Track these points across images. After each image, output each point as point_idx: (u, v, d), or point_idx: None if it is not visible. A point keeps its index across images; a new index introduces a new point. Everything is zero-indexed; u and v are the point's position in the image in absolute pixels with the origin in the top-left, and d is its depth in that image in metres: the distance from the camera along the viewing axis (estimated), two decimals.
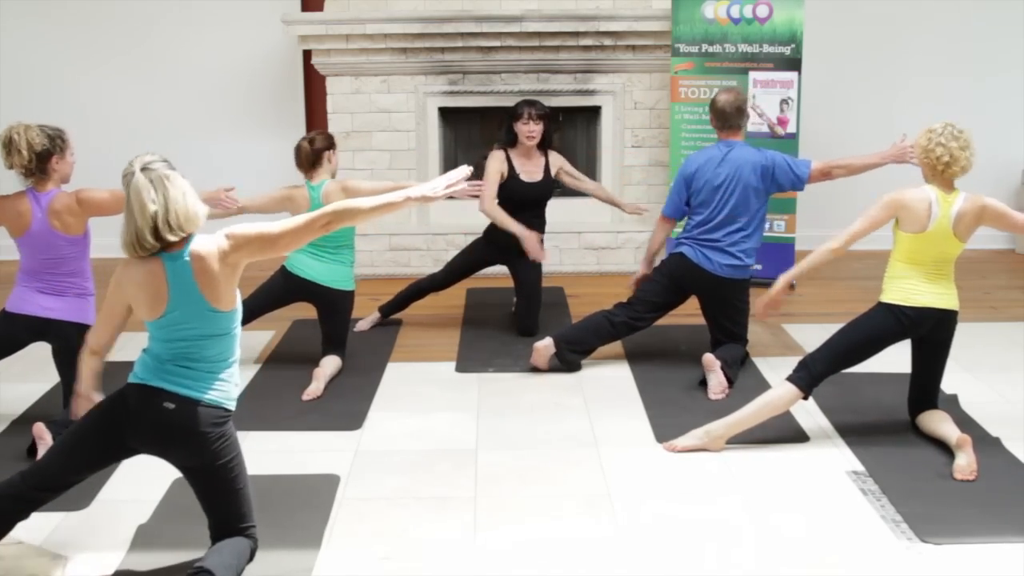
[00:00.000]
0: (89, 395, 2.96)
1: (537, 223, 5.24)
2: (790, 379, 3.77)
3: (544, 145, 5.21)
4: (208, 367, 2.76)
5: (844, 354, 3.78)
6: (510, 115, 5.18)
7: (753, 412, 3.78)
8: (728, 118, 4.59)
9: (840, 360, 3.78)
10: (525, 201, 5.16)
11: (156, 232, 2.66)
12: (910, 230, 3.68)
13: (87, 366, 2.98)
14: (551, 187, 5.29)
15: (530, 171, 5.17)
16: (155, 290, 2.70)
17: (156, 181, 2.67)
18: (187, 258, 2.69)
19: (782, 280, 3.94)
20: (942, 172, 3.66)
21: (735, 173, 4.51)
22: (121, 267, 2.77)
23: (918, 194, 3.69)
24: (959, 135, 3.66)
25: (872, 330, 3.76)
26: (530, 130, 5.07)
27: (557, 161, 5.30)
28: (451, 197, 2.91)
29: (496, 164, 5.12)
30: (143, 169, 2.68)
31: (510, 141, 5.16)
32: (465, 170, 2.90)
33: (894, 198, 3.71)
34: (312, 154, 4.57)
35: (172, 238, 2.68)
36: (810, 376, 3.75)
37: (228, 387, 2.81)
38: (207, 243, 2.71)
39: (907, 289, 3.72)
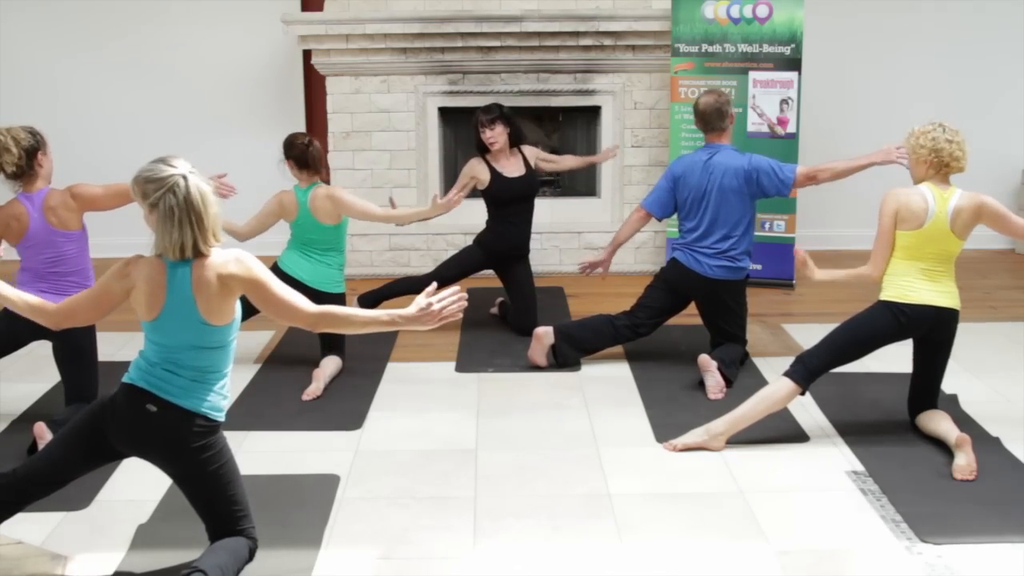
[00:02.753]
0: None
1: (527, 218, 5.32)
2: (787, 374, 3.77)
3: (517, 143, 5.27)
4: (196, 375, 2.74)
5: (841, 350, 3.78)
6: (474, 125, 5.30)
7: (751, 408, 3.78)
8: (709, 120, 4.59)
9: (837, 356, 3.78)
10: (515, 196, 5.23)
11: (206, 240, 2.65)
12: (906, 228, 3.69)
13: (37, 309, 2.83)
14: (536, 180, 5.38)
15: (511, 169, 5.23)
16: (153, 291, 2.69)
17: (208, 188, 2.67)
18: (189, 267, 2.68)
19: (820, 274, 3.87)
20: (947, 169, 3.67)
21: (716, 180, 4.51)
22: (131, 260, 2.74)
23: (913, 191, 3.70)
24: (956, 131, 3.68)
25: (870, 328, 3.75)
26: (487, 137, 5.16)
27: (532, 153, 5.36)
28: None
29: (468, 170, 5.24)
30: (191, 173, 2.66)
31: (484, 149, 5.24)
32: (458, 296, 2.72)
33: (891, 195, 3.72)
34: (319, 153, 4.57)
35: (208, 250, 2.68)
36: (807, 370, 3.74)
37: (215, 398, 2.79)
38: (215, 256, 2.69)
39: (904, 286, 3.71)
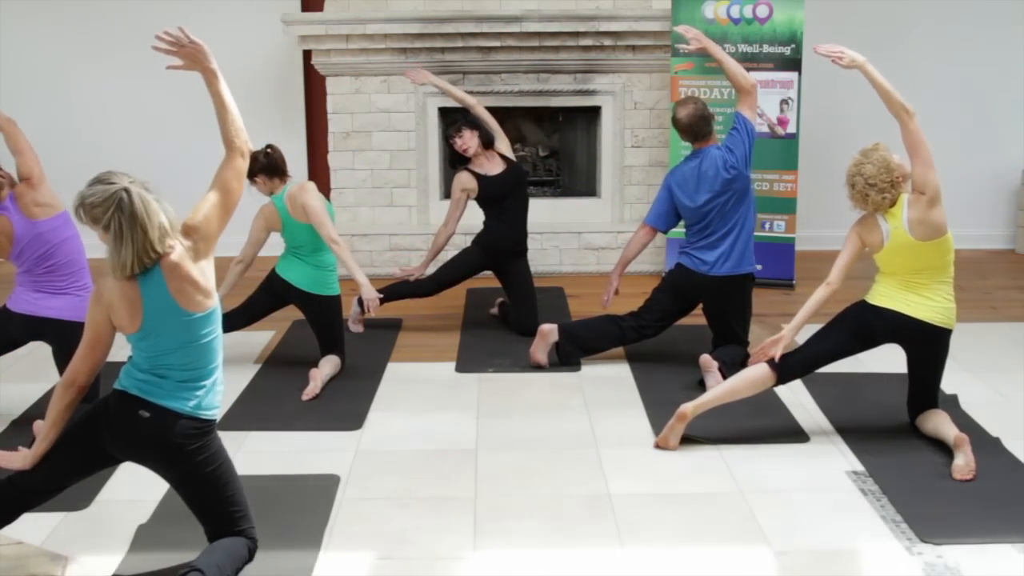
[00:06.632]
0: (48, 436, 2.80)
1: (523, 211, 5.38)
2: (766, 360, 3.82)
3: (489, 144, 5.30)
4: (187, 376, 2.73)
5: (815, 337, 3.85)
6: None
7: (723, 387, 3.86)
8: (698, 130, 4.59)
9: (812, 342, 3.84)
10: (506, 191, 5.28)
11: (163, 241, 2.61)
12: (874, 251, 3.74)
13: (61, 401, 2.79)
14: (520, 168, 5.47)
15: (493, 168, 5.29)
16: (130, 304, 2.66)
17: (149, 192, 2.63)
18: (158, 270, 2.64)
19: (789, 329, 3.84)
20: (872, 204, 3.67)
21: (708, 188, 4.53)
22: (97, 282, 2.73)
23: (870, 218, 3.72)
24: (850, 173, 3.68)
25: (840, 315, 3.85)
26: (459, 145, 5.25)
27: (502, 147, 5.39)
28: None
29: (457, 185, 5.30)
30: (131, 183, 2.61)
31: (463, 161, 5.30)
32: None
33: (857, 221, 3.79)
34: (281, 156, 4.54)
35: (171, 242, 2.64)
36: (783, 358, 3.78)
37: (207, 397, 2.77)
38: (176, 248, 2.66)
39: (876, 291, 3.78)
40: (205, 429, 2.77)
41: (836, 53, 3.81)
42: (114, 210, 2.59)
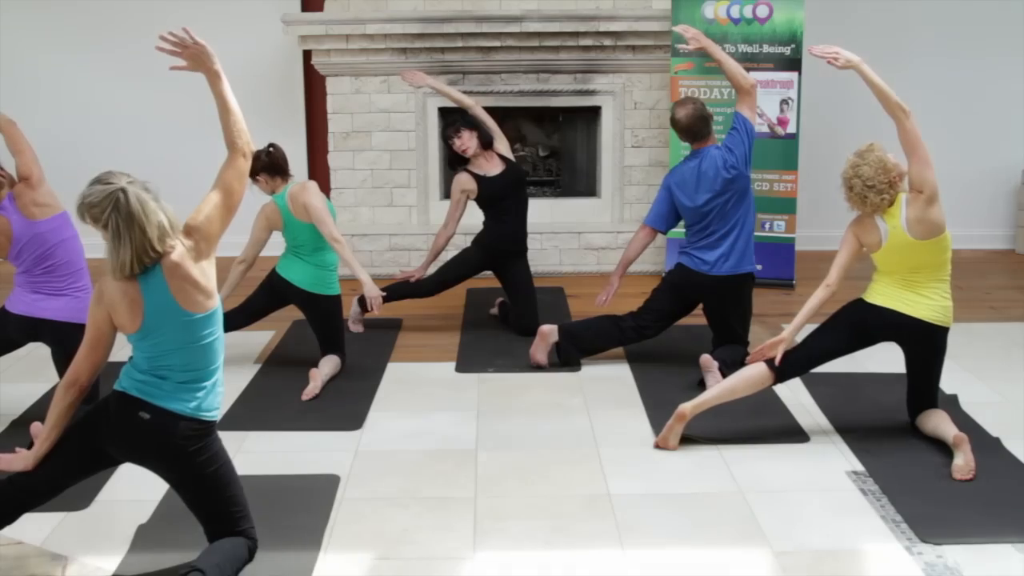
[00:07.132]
0: (50, 437, 2.78)
1: (522, 210, 5.38)
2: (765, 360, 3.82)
3: (488, 144, 5.29)
4: (187, 377, 2.73)
5: (813, 335, 3.84)
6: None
7: (722, 386, 3.86)
8: (698, 130, 4.58)
9: (810, 341, 3.83)
10: (505, 192, 5.28)
11: (162, 241, 2.62)
12: (871, 251, 3.73)
13: (62, 402, 2.78)
14: (519, 168, 5.48)
15: (492, 169, 5.28)
16: (130, 303, 2.66)
17: (148, 192, 2.64)
18: (159, 269, 2.65)
19: (789, 330, 3.83)
20: (871, 205, 3.65)
21: (708, 188, 4.52)
22: (99, 282, 2.73)
23: (866, 218, 3.71)
24: (847, 175, 3.66)
25: (838, 313, 3.84)
26: (458, 146, 5.23)
27: (501, 148, 5.38)
28: None
29: (457, 186, 5.29)
30: (130, 183, 2.62)
31: (462, 162, 5.29)
32: None
33: (853, 221, 3.78)
34: (282, 155, 4.54)
35: (172, 242, 2.65)
36: (782, 357, 3.77)
37: (207, 399, 2.77)
38: (176, 248, 2.67)
39: (874, 290, 3.78)
40: (205, 430, 2.77)
41: (831, 54, 3.80)
42: (111, 210, 2.60)
